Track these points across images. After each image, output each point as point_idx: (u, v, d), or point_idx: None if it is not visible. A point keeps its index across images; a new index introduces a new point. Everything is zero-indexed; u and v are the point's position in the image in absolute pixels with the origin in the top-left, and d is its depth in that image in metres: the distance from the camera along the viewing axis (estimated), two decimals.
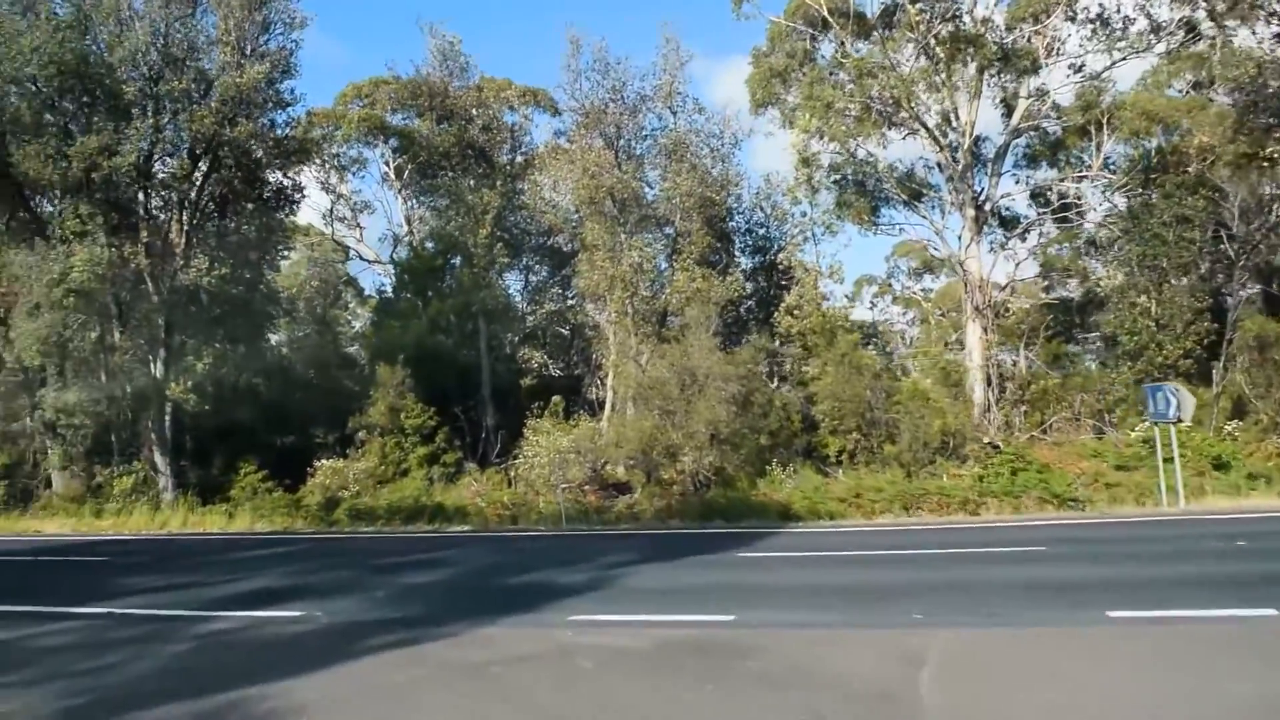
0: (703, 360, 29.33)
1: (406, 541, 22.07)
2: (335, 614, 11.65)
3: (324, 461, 31.70)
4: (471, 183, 38.29)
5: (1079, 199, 34.93)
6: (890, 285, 51.08)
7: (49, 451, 30.53)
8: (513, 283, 41.99)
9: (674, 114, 35.65)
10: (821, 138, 34.70)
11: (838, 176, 36.63)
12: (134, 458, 30.36)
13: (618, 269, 33.12)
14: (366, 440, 33.09)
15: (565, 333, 42.15)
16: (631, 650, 9.40)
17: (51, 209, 30.84)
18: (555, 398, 33.06)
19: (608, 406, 34.24)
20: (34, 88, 28.75)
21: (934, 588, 12.49)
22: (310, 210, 57.86)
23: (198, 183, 30.85)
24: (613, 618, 10.97)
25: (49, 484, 31.31)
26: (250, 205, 32.34)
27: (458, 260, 39.52)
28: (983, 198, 34.73)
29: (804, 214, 36.57)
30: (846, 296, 40.79)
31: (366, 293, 47.18)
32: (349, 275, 47.63)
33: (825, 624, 10.44)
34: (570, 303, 40.57)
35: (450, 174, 38.69)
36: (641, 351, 32.93)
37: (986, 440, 29.24)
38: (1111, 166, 34.58)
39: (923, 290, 50.62)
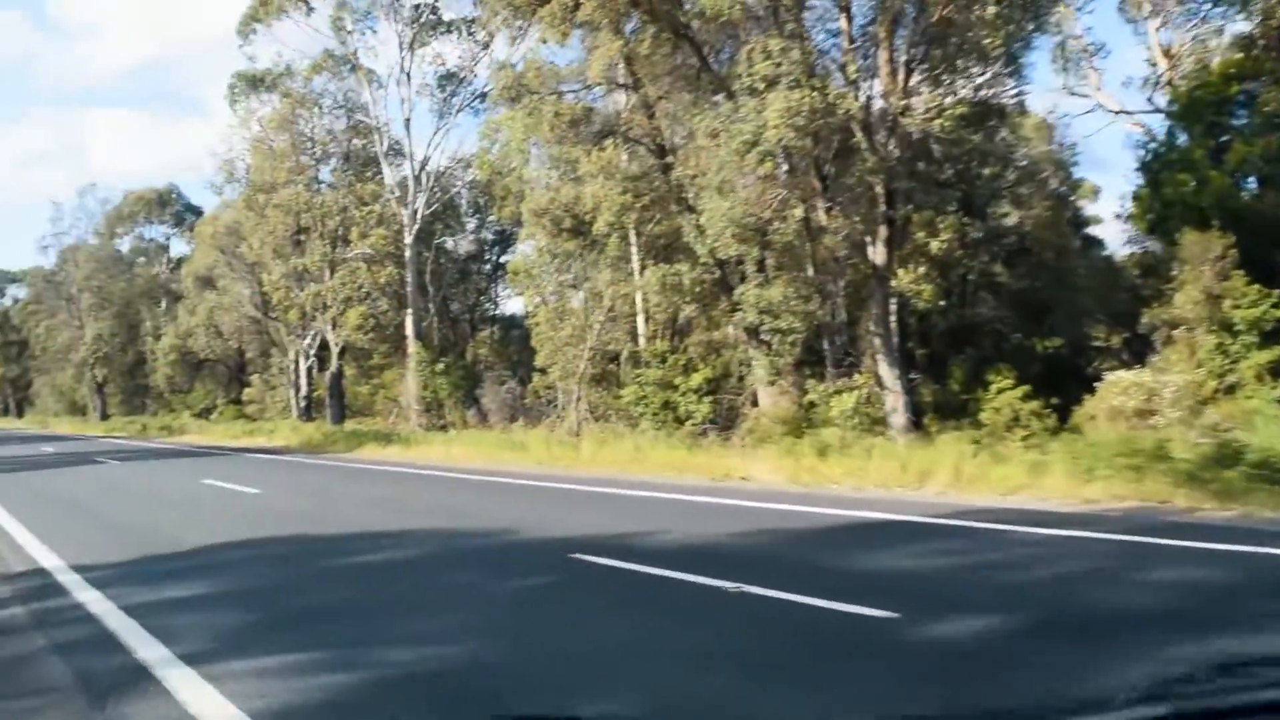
0: None
1: None
2: None
3: (1115, 374, 19.79)
4: None
5: None
6: None
7: (752, 363, 22.65)
8: None
9: None
10: None
11: None
12: (853, 369, 21.31)
13: None
14: (1169, 342, 20.52)
15: None
16: None
17: (733, 61, 22.49)
18: None
19: None
20: None
21: None
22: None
23: None
24: None
25: (754, 402, 23.70)
26: (984, 17, 20.90)
27: (1257, 87, 24.58)
28: None
29: None
30: None
31: (1103, 159, 33.45)
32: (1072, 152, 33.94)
33: None
34: None
35: None
36: None
37: None
38: None
39: None
